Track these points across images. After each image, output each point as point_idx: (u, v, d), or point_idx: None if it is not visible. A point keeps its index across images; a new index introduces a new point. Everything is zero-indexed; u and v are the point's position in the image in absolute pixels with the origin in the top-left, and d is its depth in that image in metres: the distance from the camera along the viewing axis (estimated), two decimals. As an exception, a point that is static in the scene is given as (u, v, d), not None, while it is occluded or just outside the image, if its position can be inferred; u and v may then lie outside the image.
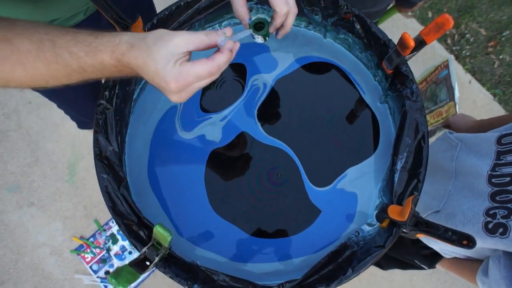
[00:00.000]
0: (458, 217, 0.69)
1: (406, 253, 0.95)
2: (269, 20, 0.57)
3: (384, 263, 1.12)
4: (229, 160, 0.72)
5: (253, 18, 0.56)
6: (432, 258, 0.87)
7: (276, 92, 0.76)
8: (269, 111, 0.75)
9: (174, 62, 0.40)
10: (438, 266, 0.88)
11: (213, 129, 0.73)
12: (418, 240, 0.87)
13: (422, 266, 0.92)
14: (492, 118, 0.90)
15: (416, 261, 0.92)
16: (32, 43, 0.40)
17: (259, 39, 0.58)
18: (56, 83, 0.44)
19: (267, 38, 0.59)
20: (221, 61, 0.42)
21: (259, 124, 0.73)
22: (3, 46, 0.40)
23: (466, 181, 0.73)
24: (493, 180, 0.67)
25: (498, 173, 0.67)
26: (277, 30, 0.58)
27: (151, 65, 0.39)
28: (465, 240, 0.48)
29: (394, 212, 0.55)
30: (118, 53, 0.40)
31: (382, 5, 0.99)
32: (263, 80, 0.76)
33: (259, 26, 0.57)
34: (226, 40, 0.43)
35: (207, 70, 0.41)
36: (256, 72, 0.77)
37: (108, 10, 0.55)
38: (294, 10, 0.53)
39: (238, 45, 0.44)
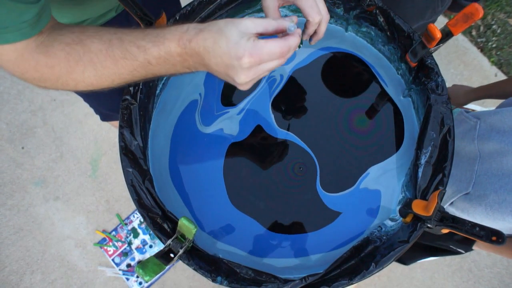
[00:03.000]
0: (492, 197, 0.67)
1: (438, 239, 0.91)
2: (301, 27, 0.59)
3: (409, 256, 1.09)
4: (246, 154, 0.72)
5: None
6: (467, 241, 0.83)
7: (292, 84, 0.75)
8: (284, 104, 0.74)
9: (248, 38, 0.40)
10: (475, 247, 0.84)
11: (231, 123, 0.73)
12: None
13: (459, 250, 0.88)
14: (490, 84, 0.89)
15: (451, 246, 0.89)
16: (102, 43, 0.43)
17: None
18: (121, 82, 0.46)
19: (301, 46, 0.60)
20: (293, 42, 0.42)
21: (273, 117, 0.73)
22: (77, 48, 0.43)
23: (493, 159, 0.70)
24: None
25: None
26: (310, 37, 0.59)
27: (222, 43, 0.39)
28: (494, 236, 0.47)
29: (418, 206, 0.55)
30: (185, 39, 0.41)
31: (438, 14, 0.97)
32: (280, 71, 0.76)
33: None
34: (295, 26, 0.43)
35: (280, 49, 0.41)
36: (274, 64, 0.77)
37: (132, 7, 0.56)
38: (326, 17, 0.54)
39: (299, 31, 0.45)
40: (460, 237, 0.84)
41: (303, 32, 0.58)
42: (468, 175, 0.74)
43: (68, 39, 0.44)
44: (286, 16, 0.63)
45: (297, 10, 0.74)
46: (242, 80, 0.42)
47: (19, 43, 0.42)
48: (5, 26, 0.39)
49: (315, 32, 0.58)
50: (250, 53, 0.39)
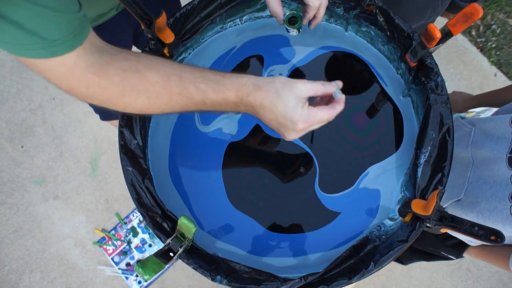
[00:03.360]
0: (483, 205, 0.68)
1: (430, 244, 0.92)
2: (300, 13, 0.63)
3: (406, 257, 1.10)
4: (245, 153, 0.72)
5: (286, 14, 0.62)
6: (458, 248, 0.85)
7: None
8: None
9: (302, 105, 0.45)
10: (465, 255, 0.85)
11: (230, 122, 0.73)
12: None
13: (449, 256, 0.90)
14: (488, 92, 0.90)
15: (442, 252, 0.90)
16: (160, 76, 0.45)
17: (294, 32, 0.64)
18: (170, 112, 0.48)
19: (300, 30, 0.64)
20: (339, 110, 0.48)
21: None
22: (134, 76, 0.45)
23: (485, 167, 0.71)
24: None
25: None
26: (309, 21, 0.63)
27: (279, 106, 0.45)
28: (493, 235, 0.47)
29: (417, 206, 0.55)
30: (243, 93, 0.45)
31: (438, 14, 0.97)
32: (279, 70, 0.76)
33: (292, 20, 0.63)
34: (340, 93, 0.49)
35: (328, 117, 0.47)
36: (274, 63, 0.77)
37: (132, 6, 0.56)
38: (325, 2, 0.59)
39: (344, 97, 0.50)
40: (451, 243, 0.85)
41: (303, 17, 0.62)
42: (461, 181, 0.74)
43: (124, 65, 0.45)
44: (294, 10, 0.64)
45: (297, 10, 0.74)
46: (292, 137, 0.48)
47: (67, 58, 0.42)
48: (54, 39, 0.39)
49: (314, 17, 0.61)
50: (304, 120, 0.45)
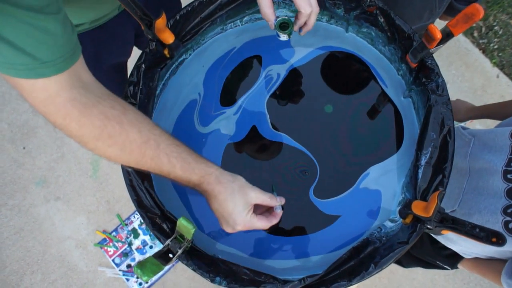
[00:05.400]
0: (475, 217, 0.67)
1: (426, 254, 0.92)
2: (292, 18, 0.63)
3: (406, 261, 1.10)
4: (243, 154, 0.72)
5: (278, 19, 0.62)
6: (453, 258, 0.85)
7: (289, 83, 0.75)
8: (280, 103, 0.74)
9: (248, 212, 0.51)
10: (460, 266, 0.85)
11: (228, 123, 0.73)
12: (437, 241, 0.85)
13: (445, 266, 0.90)
14: (492, 104, 0.89)
15: (438, 262, 0.90)
16: (140, 136, 0.48)
17: (284, 37, 0.65)
18: (134, 168, 0.51)
19: (290, 36, 0.65)
20: (274, 223, 0.55)
21: (269, 117, 0.73)
22: (116, 127, 0.46)
23: (480, 178, 0.70)
24: (508, 175, 0.65)
25: None
26: (300, 27, 0.63)
27: (230, 205, 0.50)
28: (494, 237, 0.47)
29: (418, 207, 0.54)
30: (206, 180, 0.50)
31: (436, 16, 0.97)
32: (277, 70, 0.76)
33: (283, 26, 0.63)
34: (280, 208, 0.55)
35: (264, 226, 0.53)
36: (272, 63, 0.77)
37: (132, 7, 0.56)
38: (316, 9, 0.60)
39: (281, 213, 0.56)
40: (447, 253, 0.85)
41: (294, 23, 0.63)
42: (456, 192, 0.73)
43: (109, 114, 0.46)
44: (286, 16, 0.64)
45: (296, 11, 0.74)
46: (227, 231, 0.53)
47: (51, 86, 0.42)
48: (44, 61, 0.39)
49: (305, 24, 0.62)
50: (244, 224, 0.51)
